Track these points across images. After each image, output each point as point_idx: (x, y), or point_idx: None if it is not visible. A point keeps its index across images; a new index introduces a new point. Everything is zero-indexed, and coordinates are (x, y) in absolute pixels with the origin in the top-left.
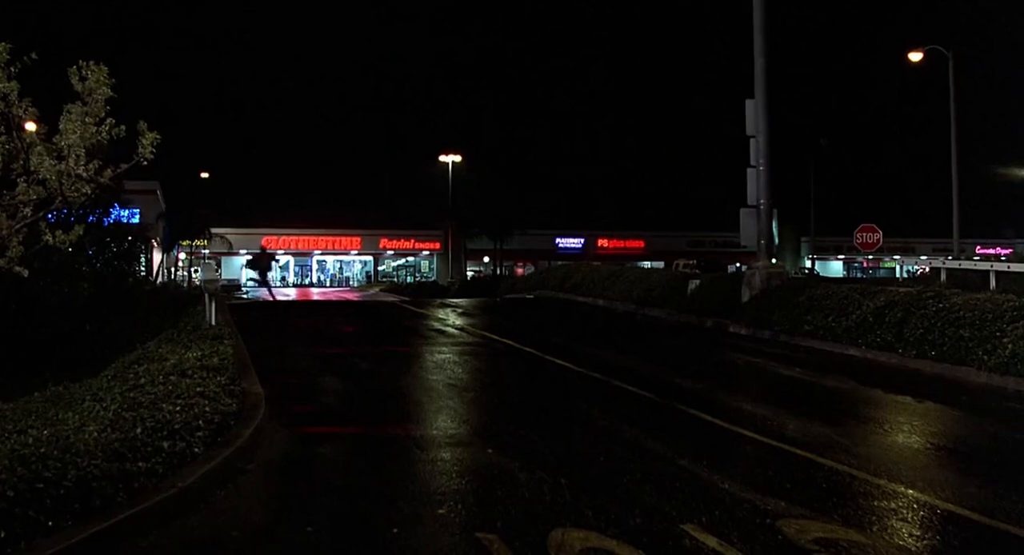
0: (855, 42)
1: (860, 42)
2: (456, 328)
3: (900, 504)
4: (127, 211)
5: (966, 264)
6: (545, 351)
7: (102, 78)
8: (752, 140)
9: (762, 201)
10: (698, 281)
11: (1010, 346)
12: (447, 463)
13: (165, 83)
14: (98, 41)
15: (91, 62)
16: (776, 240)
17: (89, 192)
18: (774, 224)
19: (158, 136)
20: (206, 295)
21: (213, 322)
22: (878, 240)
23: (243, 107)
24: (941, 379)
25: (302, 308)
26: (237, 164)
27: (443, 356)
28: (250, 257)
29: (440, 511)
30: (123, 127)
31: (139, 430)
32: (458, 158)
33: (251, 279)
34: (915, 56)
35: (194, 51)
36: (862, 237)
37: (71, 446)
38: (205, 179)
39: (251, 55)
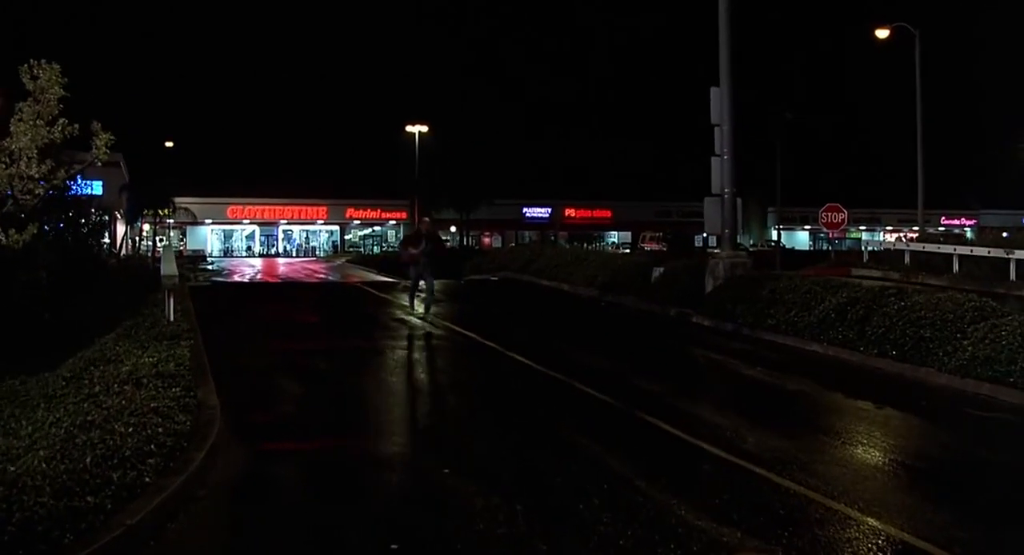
0: (827, 14)
1: (832, 13)
2: (418, 317)
3: (854, 534)
4: (89, 183)
5: (930, 246)
6: (507, 346)
7: (54, 77)
8: (717, 129)
9: (727, 190)
10: (662, 269)
11: (970, 348)
12: (402, 487)
13: (129, 50)
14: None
15: (43, 61)
16: (740, 229)
17: (42, 193)
18: (739, 211)
19: (112, 137)
20: (165, 291)
21: (172, 318)
22: (843, 220)
23: (209, 74)
24: (902, 380)
25: (264, 291)
26: (202, 133)
27: (404, 352)
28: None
29: (393, 546)
30: (76, 126)
31: (88, 459)
32: (425, 128)
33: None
34: (882, 33)
35: (158, 18)
36: (827, 217)
37: (17, 479)
38: (170, 148)
39: (217, 21)
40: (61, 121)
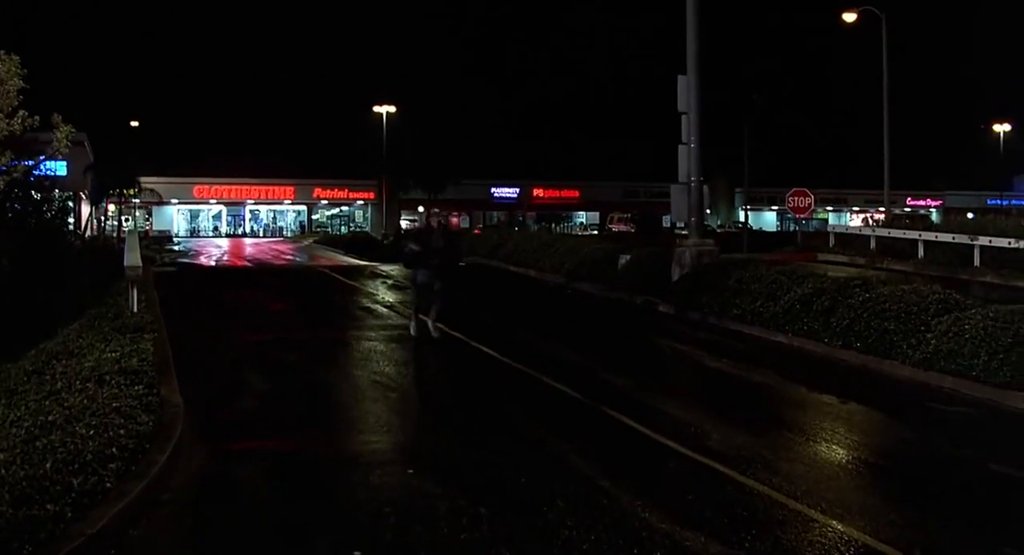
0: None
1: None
2: (385, 307)
3: (816, 537)
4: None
5: (895, 232)
6: (474, 337)
7: (14, 69)
8: (684, 117)
9: (693, 178)
10: (628, 256)
11: (934, 341)
12: (367, 489)
13: (92, 28)
14: None
15: (2, 52)
16: (707, 215)
17: (2, 186)
18: (705, 198)
19: (73, 129)
20: (128, 282)
21: (135, 309)
22: (810, 204)
23: (175, 53)
24: (866, 372)
25: (231, 276)
26: (169, 112)
27: (371, 344)
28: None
29: (356, 553)
30: (37, 118)
31: (49, 464)
32: (393, 109)
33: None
34: (849, 17)
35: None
36: (795, 201)
37: None
38: (135, 128)
39: (184, 1)
40: (21, 113)
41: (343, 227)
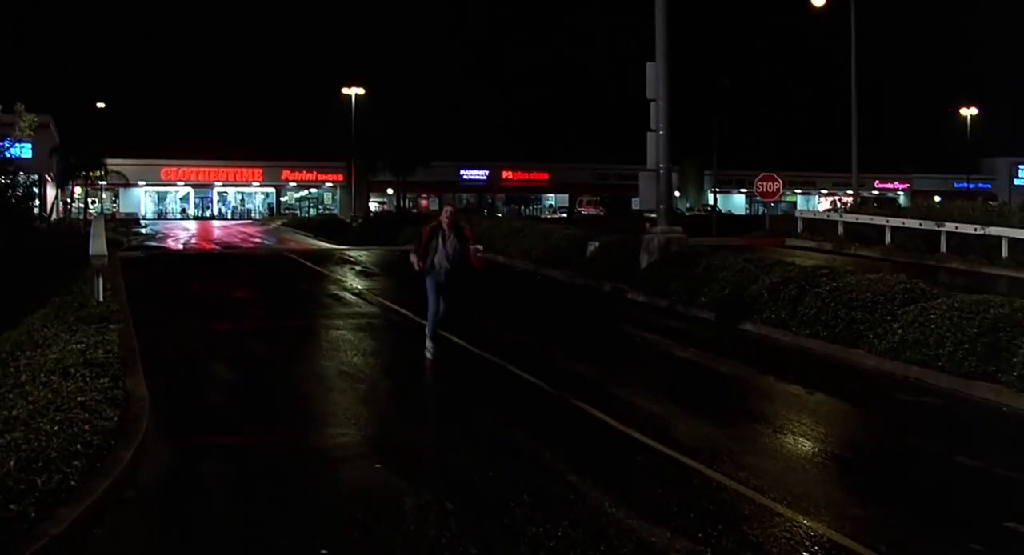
0: None
1: None
2: (353, 293)
3: (782, 532)
4: (19, 146)
5: (863, 217)
6: (442, 326)
7: None
8: (652, 104)
9: (661, 165)
10: (597, 243)
11: (900, 331)
12: (335, 484)
13: (58, 8)
14: None
15: None
16: (676, 201)
17: None
18: (673, 185)
19: (36, 119)
20: (94, 271)
21: (100, 298)
22: (778, 190)
23: (144, 35)
24: (833, 361)
25: (199, 262)
26: (136, 94)
27: (338, 333)
28: None
29: (323, 551)
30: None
31: (12, 462)
32: (361, 91)
33: None
34: (818, 1)
35: None
36: (763, 186)
37: None
38: (102, 110)
39: None
40: None
41: (312, 209)
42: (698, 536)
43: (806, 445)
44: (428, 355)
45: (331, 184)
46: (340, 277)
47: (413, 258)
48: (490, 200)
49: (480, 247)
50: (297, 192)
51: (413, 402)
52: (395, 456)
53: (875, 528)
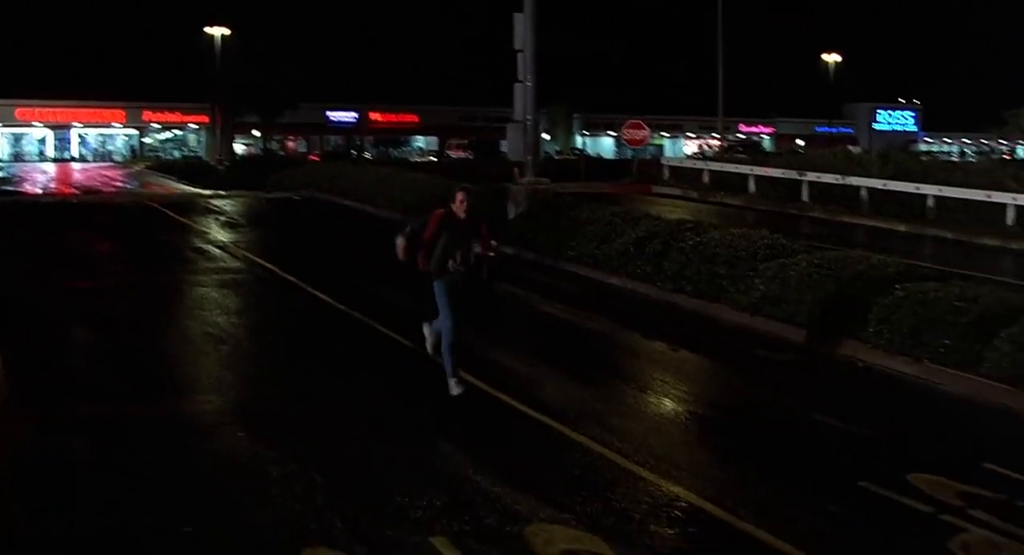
0: None
1: None
2: (218, 247)
3: (644, 497)
4: None
5: (728, 166)
6: (309, 281)
7: None
8: (519, 54)
9: (529, 117)
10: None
11: (762, 287)
12: (199, 456)
13: None
14: None
15: None
16: (545, 144)
17: None
18: (540, 135)
19: None
20: None
21: None
22: (645, 137)
23: None
24: (697, 317)
25: (56, 210)
26: None
27: (203, 290)
28: None
29: (187, 529)
30: None
31: None
32: (227, 31)
33: None
34: None
35: None
36: (630, 134)
37: None
38: None
39: None
40: None
41: (176, 152)
42: (563, 503)
43: (669, 405)
44: (455, 391)
45: (196, 126)
46: (205, 228)
47: (401, 243)
48: (359, 142)
49: (495, 244)
50: (161, 134)
51: (279, 365)
52: (260, 424)
53: (736, 490)
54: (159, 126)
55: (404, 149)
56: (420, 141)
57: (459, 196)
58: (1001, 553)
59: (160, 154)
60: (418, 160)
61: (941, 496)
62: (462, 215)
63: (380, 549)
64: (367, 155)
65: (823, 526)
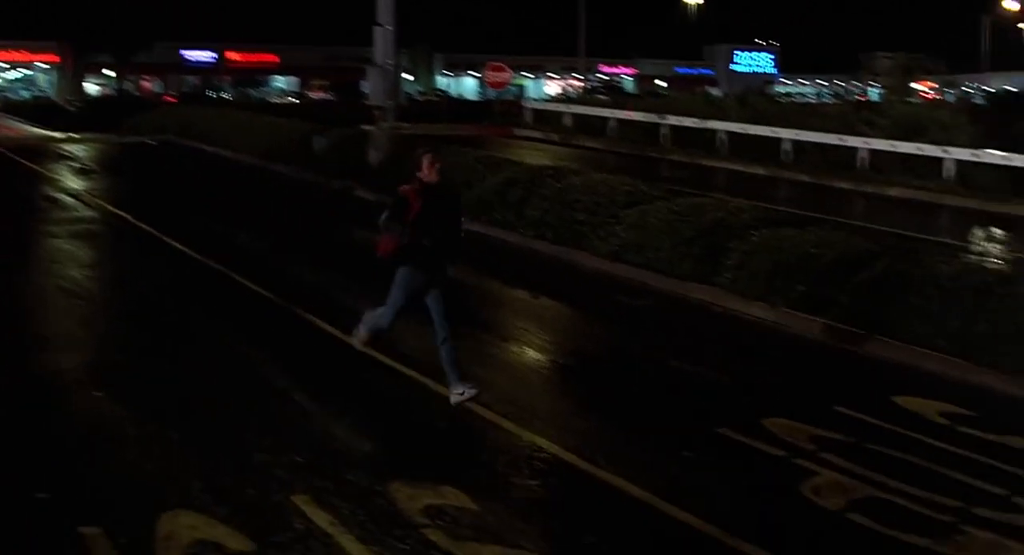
0: None
1: None
2: (71, 195)
3: (508, 448)
4: None
5: (589, 109)
6: (166, 230)
7: None
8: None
9: (389, 61)
10: (325, 139)
11: (622, 233)
12: (53, 417)
13: None
14: None
15: None
16: (406, 85)
17: None
18: (400, 80)
19: None
20: None
21: None
22: (507, 79)
23: None
24: (558, 263)
25: None
26: None
27: (56, 242)
28: None
29: (41, 495)
30: None
31: None
32: None
33: None
34: None
35: None
36: (491, 76)
37: None
38: None
39: None
40: None
41: (25, 92)
42: (427, 456)
43: (531, 354)
44: (359, 346)
45: (47, 66)
46: (57, 176)
47: (388, 239)
48: (216, 83)
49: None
50: (8, 73)
51: (134, 319)
52: (116, 381)
53: (596, 439)
54: (6, 65)
55: (264, 90)
56: (281, 82)
57: (427, 160)
58: (849, 494)
59: (8, 95)
60: (278, 102)
61: (794, 440)
62: (435, 183)
63: (241, 509)
64: (225, 96)
65: (681, 473)
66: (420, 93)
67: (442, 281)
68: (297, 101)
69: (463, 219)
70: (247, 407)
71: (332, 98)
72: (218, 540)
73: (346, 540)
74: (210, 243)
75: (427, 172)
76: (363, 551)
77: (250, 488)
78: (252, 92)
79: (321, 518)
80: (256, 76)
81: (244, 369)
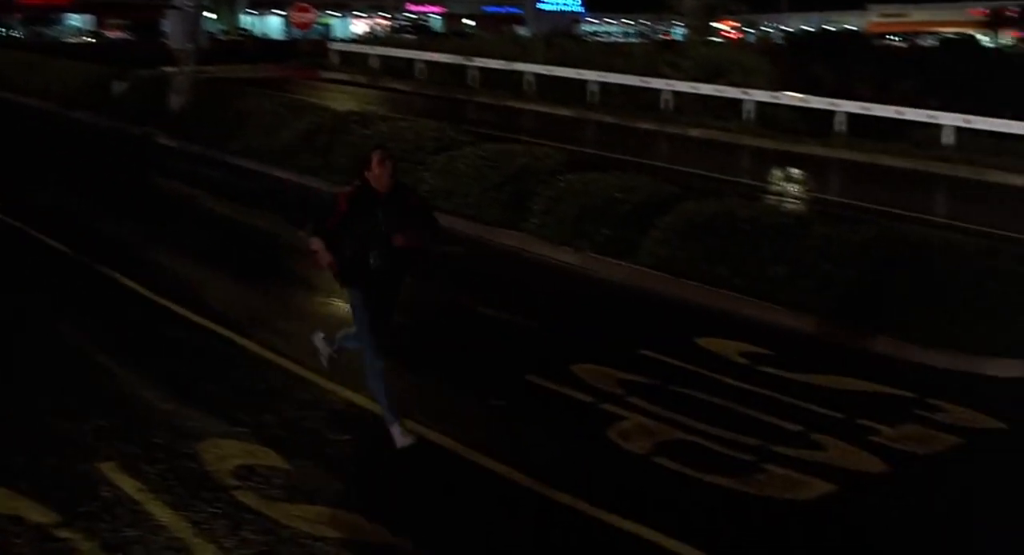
0: None
1: None
2: None
3: (322, 405)
4: None
5: (397, 51)
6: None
7: None
8: None
9: (189, 3)
10: (125, 83)
11: (431, 180)
12: None
13: None
14: None
15: None
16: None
17: None
18: (201, 23)
19: None
20: None
21: None
22: (311, 20)
23: None
24: None
25: None
26: None
27: None
28: None
29: None
30: None
31: None
32: None
33: None
34: None
35: None
36: (297, 17)
37: None
38: None
39: None
40: None
41: None
42: (235, 416)
43: (341, 306)
44: (401, 443)
45: None
46: None
47: (318, 245)
48: (5, 21)
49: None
50: None
51: None
52: None
53: (409, 391)
54: None
55: (58, 28)
56: (76, 20)
57: (376, 157)
58: (655, 438)
59: None
60: (74, 41)
61: (602, 385)
62: (384, 186)
63: (42, 481)
64: (16, 35)
65: (491, 422)
66: (223, 33)
67: (394, 297)
68: (94, 41)
69: (437, 222)
70: (45, 370)
71: (131, 38)
72: (19, 513)
73: (155, 506)
74: (6, 198)
75: (376, 171)
76: (173, 517)
77: (52, 457)
78: (45, 31)
79: (129, 485)
80: (49, 14)
81: (40, 329)
